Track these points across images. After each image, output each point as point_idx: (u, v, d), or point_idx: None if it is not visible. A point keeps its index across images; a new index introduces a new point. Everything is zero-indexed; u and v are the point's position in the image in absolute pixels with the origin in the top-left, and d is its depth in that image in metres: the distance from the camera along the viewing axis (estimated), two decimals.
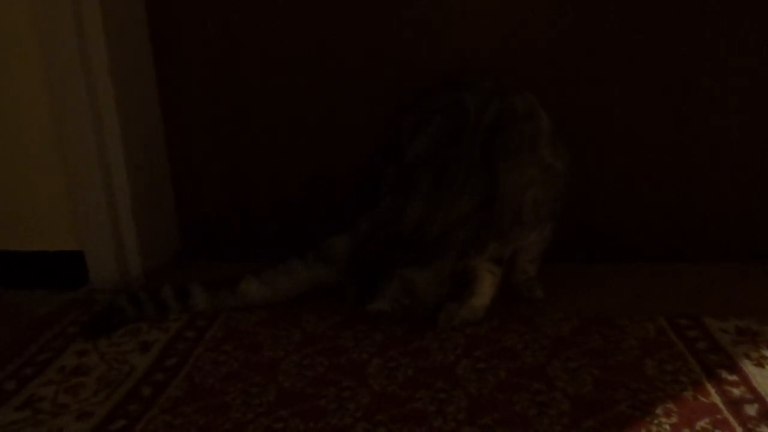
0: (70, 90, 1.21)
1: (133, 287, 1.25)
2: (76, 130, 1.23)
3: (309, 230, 1.20)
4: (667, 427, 0.78)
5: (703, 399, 0.83)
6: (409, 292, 0.98)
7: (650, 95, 1.22)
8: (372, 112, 1.27)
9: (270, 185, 1.37)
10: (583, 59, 1.22)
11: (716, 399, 0.83)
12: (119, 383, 0.93)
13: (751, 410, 0.81)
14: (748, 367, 0.89)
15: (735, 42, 1.19)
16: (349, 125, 1.30)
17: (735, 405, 0.82)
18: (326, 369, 0.94)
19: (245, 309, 1.11)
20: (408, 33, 1.25)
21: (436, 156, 1.02)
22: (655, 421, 0.79)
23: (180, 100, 1.34)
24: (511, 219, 1.01)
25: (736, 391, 0.84)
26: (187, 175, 1.39)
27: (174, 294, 1.11)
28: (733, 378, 0.87)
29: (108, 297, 1.22)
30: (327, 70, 1.28)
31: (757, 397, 0.83)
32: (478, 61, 1.23)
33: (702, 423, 0.79)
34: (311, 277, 1.09)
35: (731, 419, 0.79)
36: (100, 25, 1.19)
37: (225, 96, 1.33)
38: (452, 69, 1.23)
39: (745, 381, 0.86)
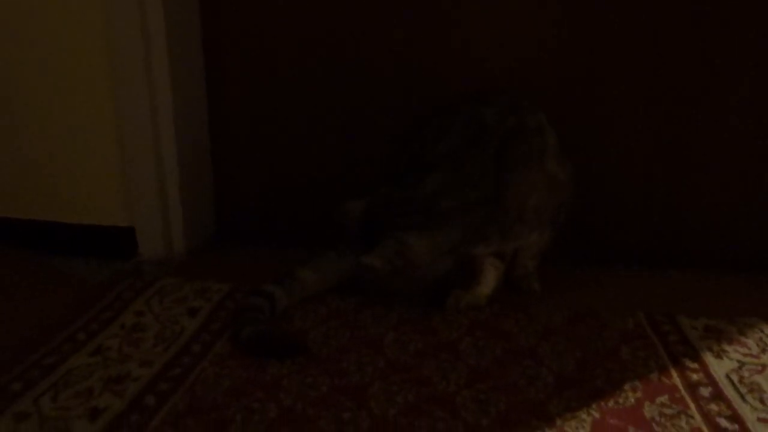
0: (130, 77, 1.36)
1: (176, 262, 1.43)
2: (134, 119, 1.38)
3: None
4: (632, 400, 0.94)
5: (666, 380, 0.99)
6: (403, 255, 1.09)
7: (642, 107, 1.37)
8: (397, 112, 1.42)
9: (301, 174, 1.51)
10: (583, 72, 1.37)
11: (677, 381, 0.98)
12: (173, 340, 1.09)
13: (705, 392, 0.96)
14: (709, 358, 1.04)
15: (729, 53, 1.31)
16: (377, 121, 1.45)
17: (692, 387, 0.97)
18: (348, 339, 1.10)
19: None
20: (435, 45, 1.40)
21: (456, 154, 1.17)
22: (623, 395, 0.95)
23: (223, 94, 1.50)
24: (514, 218, 1.16)
25: (695, 376, 1.00)
26: (227, 163, 1.54)
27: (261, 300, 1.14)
28: (694, 366, 1.02)
29: (153, 269, 1.40)
30: (358, 71, 1.43)
31: (711, 381, 0.98)
32: (494, 72, 1.39)
33: (662, 399, 0.94)
34: (349, 266, 1.20)
35: (687, 398, 0.95)
36: (162, 16, 1.33)
37: (264, 91, 1.48)
38: (473, 78, 1.39)
39: (704, 368, 1.02)
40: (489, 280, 1.22)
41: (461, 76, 1.40)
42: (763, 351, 1.06)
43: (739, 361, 1.03)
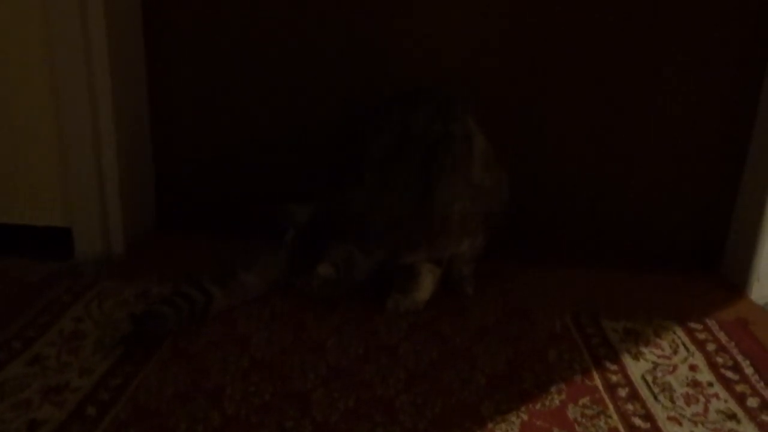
0: (69, 72, 1.32)
1: (114, 261, 1.41)
2: (72, 113, 1.35)
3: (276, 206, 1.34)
4: (557, 402, 1.01)
5: (588, 382, 1.06)
6: (349, 266, 1.16)
7: (576, 112, 1.45)
8: (343, 99, 1.45)
9: (242, 163, 1.52)
10: (525, 80, 1.43)
11: (598, 383, 1.06)
12: (113, 347, 1.09)
13: (623, 393, 1.04)
14: (627, 360, 1.13)
15: (667, 61, 1.40)
16: (321, 109, 1.47)
17: (611, 388, 1.05)
18: (291, 343, 1.13)
19: None
20: (386, 41, 1.43)
21: (385, 164, 1.21)
22: (549, 397, 1.02)
23: (164, 82, 1.49)
24: (440, 227, 1.21)
25: (614, 378, 1.08)
26: (167, 153, 1.53)
27: (200, 295, 1.16)
28: (614, 367, 1.11)
29: (92, 268, 1.38)
30: (303, 57, 1.44)
31: (629, 382, 1.07)
32: (442, 70, 1.43)
33: (584, 400, 1.02)
34: (288, 269, 1.24)
35: (606, 399, 1.03)
36: (102, 10, 1.30)
37: (205, 79, 1.48)
38: (419, 68, 1.43)
39: (623, 370, 1.10)
40: (426, 285, 1.27)
41: (408, 66, 1.44)
42: (675, 352, 1.16)
43: (653, 362, 1.12)
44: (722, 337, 1.21)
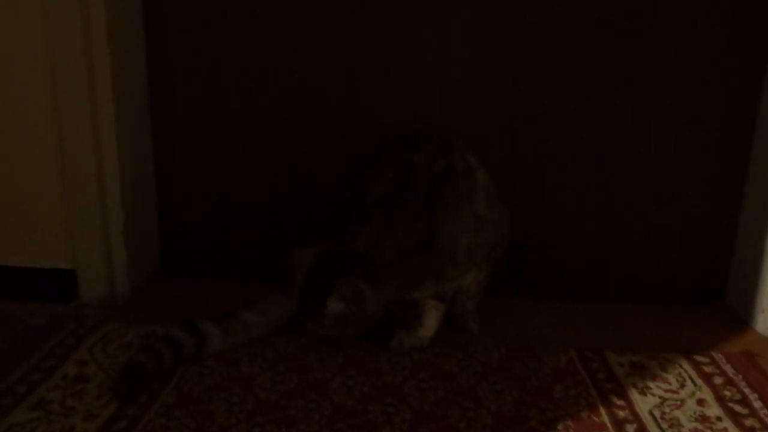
0: (75, 115, 1.34)
1: (119, 303, 1.42)
2: (76, 156, 1.37)
3: (279, 252, 1.34)
4: None
5: (595, 418, 1.06)
6: (360, 301, 1.15)
7: (573, 149, 1.46)
8: (344, 142, 1.47)
9: (247, 205, 1.52)
10: (518, 116, 1.45)
11: (605, 419, 1.06)
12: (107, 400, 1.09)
13: (631, 429, 1.03)
14: (634, 395, 1.12)
15: (660, 98, 1.41)
16: (323, 152, 1.49)
17: (619, 424, 1.04)
18: (296, 384, 1.13)
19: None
20: (386, 81, 1.45)
21: (390, 200, 1.22)
22: None
23: (168, 126, 1.50)
24: (447, 260, 1.22)
25: (622, 413, 1.07)
26: (171, 196, 1.54)
27: (189, 337, 1.16)
28: (621, 403, 1.10)
29: (95, 312, 1.38)
30: (304, 101, 1.46)
31: (636, 418, 1.06)
32: (439, 110, 1.45)
33: None
34: (294, 309, 1.25)
35: None
36: (106, 46, 1.33)
37: (209, 123, 1.49)
38: (415, 117, 1.45)
39: (630, 406, 1.09)
40: (431, 322, 1.27)
41: (404, 108, 1.46)
42: (682, 386, 1.15)
43: (660, 397, 1.12)
44: (729, 370, 1.20)
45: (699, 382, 1.16)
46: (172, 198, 1.55)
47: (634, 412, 1.07)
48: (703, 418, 1.06)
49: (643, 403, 1.10)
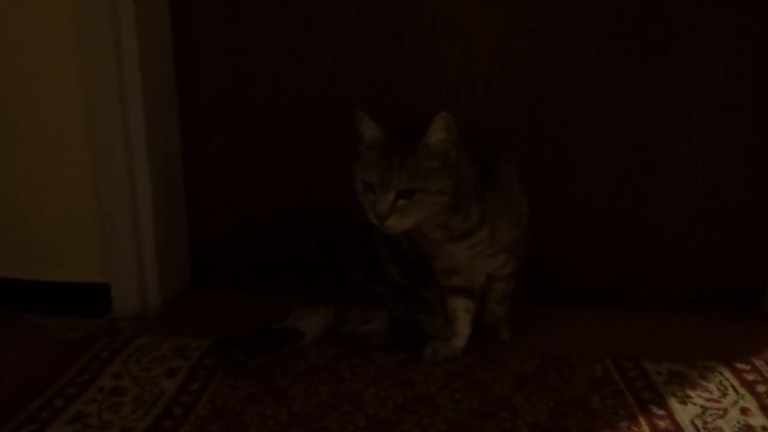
0: (108, 133, 1.36)
1: (151, 316, 1.43)
2: (109, 176, 1.39)
3: (309, 264, 1.40)
4: None
5: (635, 429, 1.03)
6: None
7: (605, 149, 1.43)
8: None
9: (275, 218, 1.52)
10: (549, 116, 1.42)
11: (646, 429, 1.03)
12: (153, 403, 1.10)
13: None
14: (674, 404, 1.10)
15: (692, 103, 1.38)
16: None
17: None
18: (328, 395, 1.12)
19: None
20: (408, 84, 1.44)
21: None
22: None
23: (199, 139, 1.51)
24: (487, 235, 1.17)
25: (662, 423, 1.05)
26: (201, 208, 1.55)
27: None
28: (661, 413, 1.07)
29: (129, 325, 1.40)
30: (333, 113, 1.43)
31: (677, 428, 1.03)
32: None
33: None
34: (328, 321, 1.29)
35: None
36: (138, 68, 1.35)
37: (239, 136, 1.49)
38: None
39: (670, 415, 1.07)
40: (464, 330, 1.26)
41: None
42: (724, 395, 1.12)
43: (702, 407, 1.09)
44: None
45: (741, 390, 1.13)
46: (201, 212, 1.56)
47: (675, 422, 1.05)
48: (748, 428, 1.03)
49: (684, 413, 1.07)
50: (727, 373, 1.18)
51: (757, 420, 1.05)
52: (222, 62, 1.48)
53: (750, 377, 1.17)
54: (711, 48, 1.37)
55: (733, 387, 1.14)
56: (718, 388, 1.14)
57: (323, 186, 1.51)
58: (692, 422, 1.05)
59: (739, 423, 1.04)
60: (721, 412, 1.07)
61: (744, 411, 1.08)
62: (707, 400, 1.11)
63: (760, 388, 1.14)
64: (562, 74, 1.42)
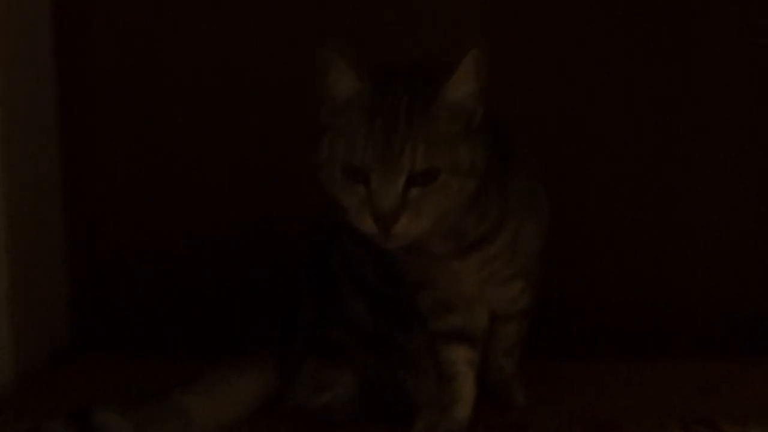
0: None
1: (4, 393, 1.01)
2: None
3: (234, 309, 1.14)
4: None
5: None
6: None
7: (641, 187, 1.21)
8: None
9: (179, 267, 1.21)
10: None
11: None
12: None
13: None
14: None
15: (723, 123, 1.19)
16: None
17: None
18: None
19: None
20: None
21: None
22: None
23: (83, 161, 1.21)
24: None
25: None
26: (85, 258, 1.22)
27: None
28: None
29: None
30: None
31: None
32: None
33: None
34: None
35: None
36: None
37: (133, 160, 1.21)
38: None
39: None
40: (467, 392, 0.87)
41: None
42: None
43: None
44: None
45: None
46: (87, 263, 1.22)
47: None
48: None
49: None
50: None
51: None
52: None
53: None
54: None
55: None
56: None
57: (247, 195, 1.19)
58: None
59: None
60: None
61: None
62: None
63: None
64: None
